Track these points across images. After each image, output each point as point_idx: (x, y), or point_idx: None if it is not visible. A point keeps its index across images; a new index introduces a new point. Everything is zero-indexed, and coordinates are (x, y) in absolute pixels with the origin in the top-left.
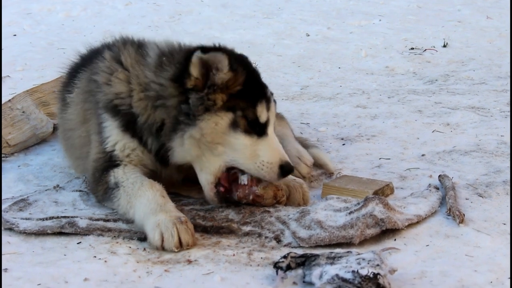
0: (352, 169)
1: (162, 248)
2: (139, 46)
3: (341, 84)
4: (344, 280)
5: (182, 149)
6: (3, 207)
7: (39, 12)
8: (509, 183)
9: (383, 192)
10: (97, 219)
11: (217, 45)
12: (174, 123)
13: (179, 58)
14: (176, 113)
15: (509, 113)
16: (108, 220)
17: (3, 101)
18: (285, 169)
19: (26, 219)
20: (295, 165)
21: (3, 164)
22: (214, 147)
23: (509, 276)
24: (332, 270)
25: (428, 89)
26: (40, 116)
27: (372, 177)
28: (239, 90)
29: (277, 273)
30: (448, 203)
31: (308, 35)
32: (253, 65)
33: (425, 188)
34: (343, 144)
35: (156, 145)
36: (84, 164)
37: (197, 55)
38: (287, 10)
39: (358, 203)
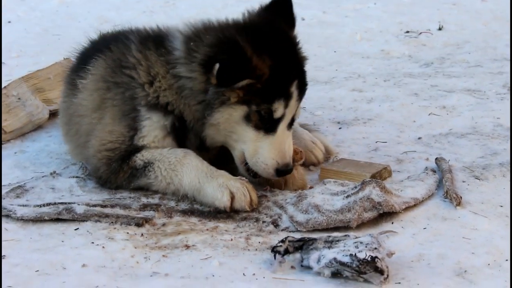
0: (348, 153)
1: (231, 209)
2: (162, 40)
3: (336, 68)
4: (342, 263)
5: (208, 135)
6: None
7: None
8: (506, 165)
9: (381, 175)
10: (94, 205)
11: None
12: (201, 111)
13: (208, 41)
14: (202, 99)
15: (504, 95)
16: (105, 206)
17: None
18: (280, 172)
19: (23, 205)
20: (312, 149)
21: None
22: (230, 135)
23: (507, 258)
24: (330, 254)
25: (424, 72)
26: (35, 102)
27: (369, 161)
28: (258, 88)
29: (275, 258)
30: (445, 186)
31: (304, 19)
32: (296, 51)
33: (422, 171)
34: (340, 128)
35: (197, 139)
36: (85, 153)
37: (216, 68)
38: None
39: (355, 187)
